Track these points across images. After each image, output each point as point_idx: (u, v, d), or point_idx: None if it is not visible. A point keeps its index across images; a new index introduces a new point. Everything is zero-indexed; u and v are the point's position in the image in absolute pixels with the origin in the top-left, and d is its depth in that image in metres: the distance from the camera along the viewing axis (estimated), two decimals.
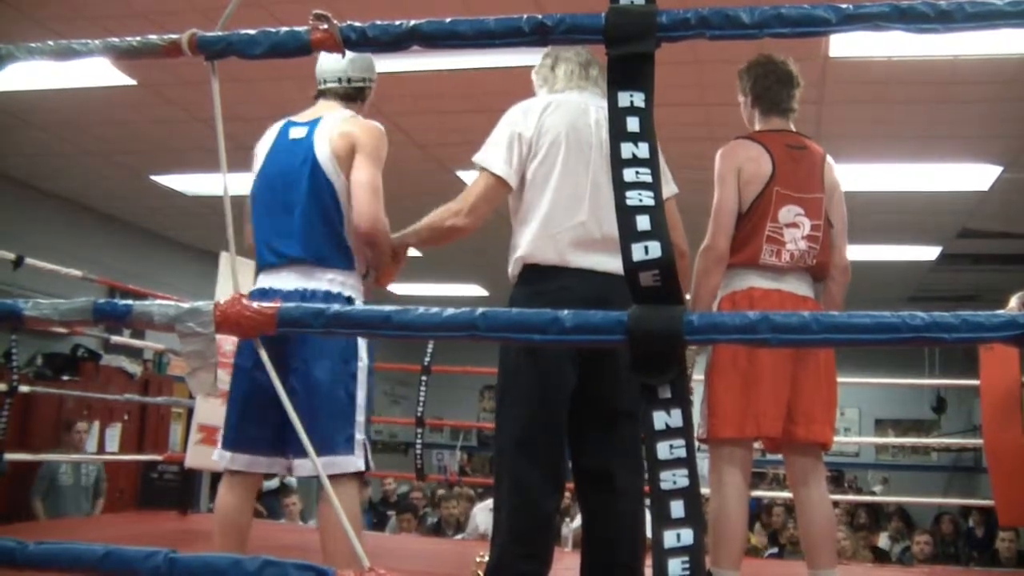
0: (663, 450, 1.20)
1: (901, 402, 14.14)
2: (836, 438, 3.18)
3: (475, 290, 12.45)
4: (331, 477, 2.61)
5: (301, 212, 2.86)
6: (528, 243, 2.78)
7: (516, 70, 3.12)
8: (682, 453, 1.19)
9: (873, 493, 12.57)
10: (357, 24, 1.59)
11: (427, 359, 6.48)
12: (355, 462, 2.78)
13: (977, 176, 7.34)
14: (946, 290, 11.39)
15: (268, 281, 2.88)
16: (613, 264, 2.57)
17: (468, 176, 2.92)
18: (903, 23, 1.32)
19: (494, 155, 2.80)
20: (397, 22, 1.54)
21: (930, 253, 9.80)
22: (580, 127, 2.81)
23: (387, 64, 3.17)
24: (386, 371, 11.08)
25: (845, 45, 5.19)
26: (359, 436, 2.80)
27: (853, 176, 6.51)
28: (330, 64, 3.03)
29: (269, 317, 1.53)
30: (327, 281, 2.84)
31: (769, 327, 1.21)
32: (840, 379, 3.19)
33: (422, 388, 6.55)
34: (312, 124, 2.93)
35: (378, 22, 1.57)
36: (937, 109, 6.15)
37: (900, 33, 1.35)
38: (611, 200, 1.29)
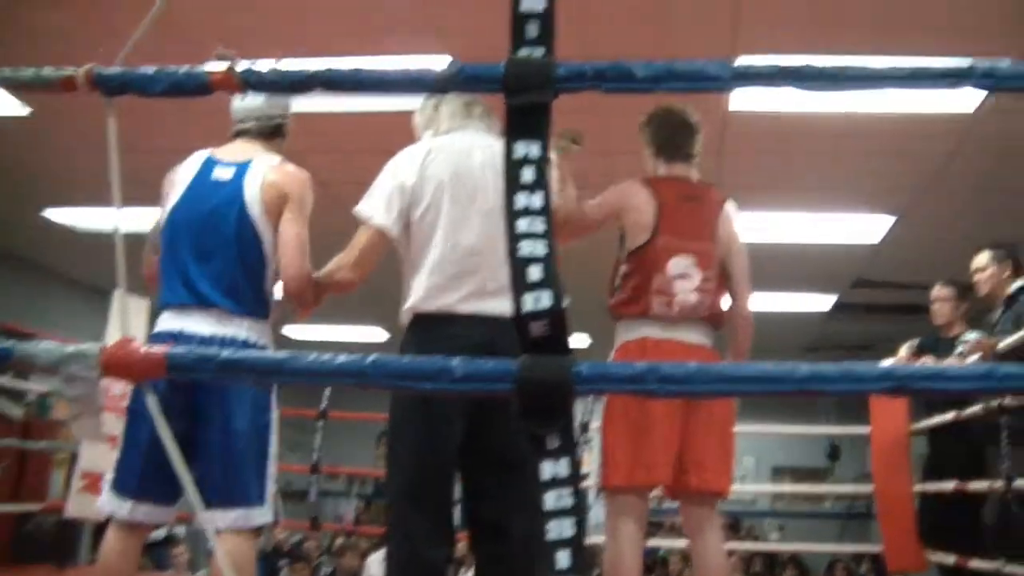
0: (551, 500, 1.19)
1: (798, 450, 14.35)
2: (733, 486, 3.21)
3: (377, 333, 12.33)
4: (237, 529, 2.59)
5: (224, 257, 2.79)
6: (415, 292, 2.77)
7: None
8: (568, 503, 1.19)
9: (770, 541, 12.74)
10: (256, 68, 1.56)
11: (323, 404, 6.41)
12: (267, 514, 2.75)
13: (871, 227, 7.61)
14: (843, 340, 11.70)
15: (179, 323, 2.76)
16: (499, 308, 2.56)
17: None
18: (792, 81, 1.36)
19: (375, 206, 2.80)
20: (298, 67, 1.52)
21: (825, 303, 10.06)
22: (463, 172, 2.80)
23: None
24: (282, 417, 10.83)
25: (743, 99, 5.32)
26: (271, 487, 2.76)
27: (753, 226, 6.65)
28: (246, 103, 2.97)
29: (158, 362, 1.48)
30: (245, 328, 2.77)
31: (656, 377, 1.22)
32: (737, 427, 3.23)
33: (318, 434, 6.47)
34: (240, 168, 2.85)
35: (278, 67, 1.55)
36: (833, 161, 6.35)
37: (792, 90, 1.39)
38: (499, 245, 1.29)
